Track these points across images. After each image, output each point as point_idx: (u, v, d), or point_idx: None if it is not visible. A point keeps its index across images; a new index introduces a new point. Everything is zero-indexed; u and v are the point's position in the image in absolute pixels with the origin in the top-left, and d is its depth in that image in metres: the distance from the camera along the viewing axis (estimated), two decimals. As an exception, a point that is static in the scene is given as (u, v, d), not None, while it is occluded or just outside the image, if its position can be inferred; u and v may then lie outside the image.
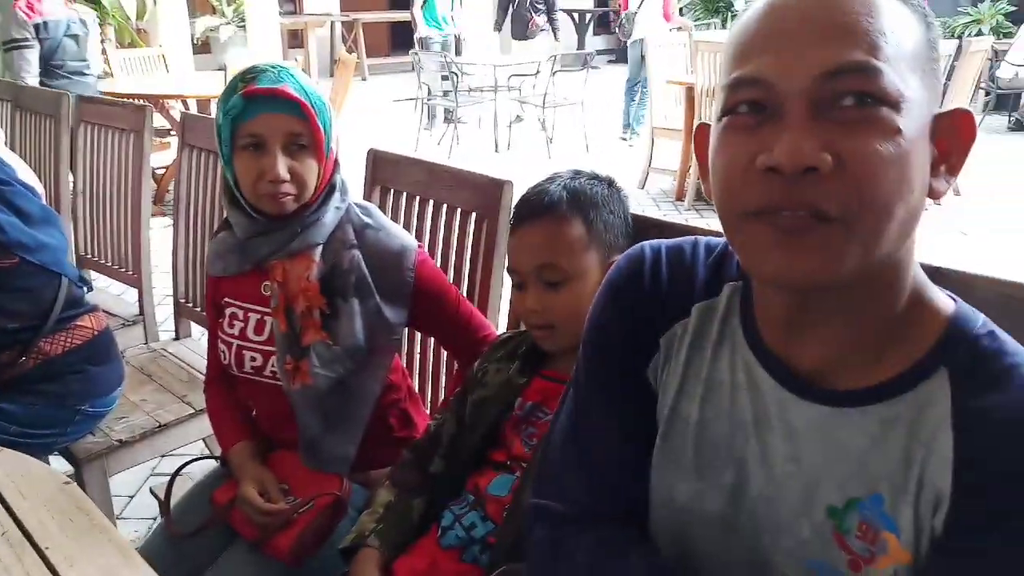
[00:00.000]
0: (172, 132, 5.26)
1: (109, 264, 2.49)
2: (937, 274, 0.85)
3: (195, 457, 1.53)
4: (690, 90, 5.33)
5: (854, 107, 0.63)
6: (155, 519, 2.28)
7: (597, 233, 1.13)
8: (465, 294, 1.54)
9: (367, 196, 1.75)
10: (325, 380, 1.32)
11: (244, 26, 9.14)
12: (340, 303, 1.33)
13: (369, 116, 8.72)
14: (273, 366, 1.36)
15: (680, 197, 5.74)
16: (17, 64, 4.69)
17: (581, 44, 13.62)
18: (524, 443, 1.14)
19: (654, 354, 0.84)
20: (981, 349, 0.69)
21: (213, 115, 1.32)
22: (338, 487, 1.33)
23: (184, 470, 1.48)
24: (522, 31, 8.19)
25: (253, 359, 1.37)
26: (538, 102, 7.22)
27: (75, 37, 4.95)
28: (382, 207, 1.72)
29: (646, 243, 0.88)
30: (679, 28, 7.78)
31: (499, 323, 1.55)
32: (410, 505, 1.22)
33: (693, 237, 0.89)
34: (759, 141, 0.65)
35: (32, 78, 4.67)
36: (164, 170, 5.08)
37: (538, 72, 7.38)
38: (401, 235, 1.41)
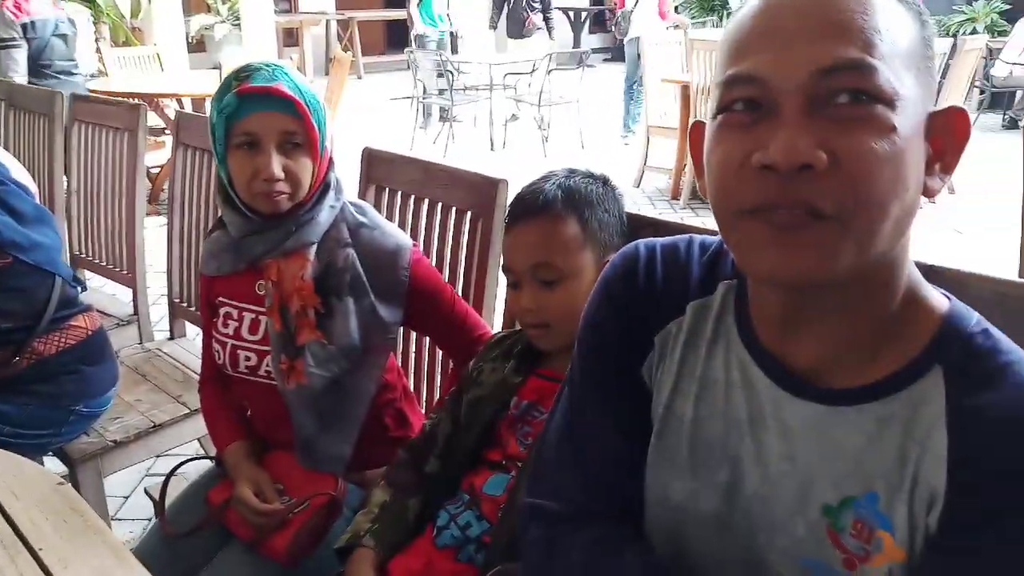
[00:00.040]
0: (167, 131, 5.24)
1: (103, 264, 2.48)
2: (931, 272, 0.85)
3: (190, 457, 1.53)
4: (685, 88, 5.33)
5: (849, 104, 0.63)
6: (150, 520, 2.27)
7: (592, 232, 1.13)
8: (460, 293, 1.54)
9: (362, 195, 1.75)
10: (320, 379, 1.32)
11: (239, 24, 9.11)
12: (335, 302, 1.33)
13: (364, 115, 8.72)
14: (268, 366, 1.35)
15: (676, 195, 5.75)
16: (4, 64, 4.66)
17: (577, 42, 13.61)
18: (519, 442, 1.14)
19: (649, 352, 0.84)
20: (975, 347, 0.69)
21: (208, 114, 1.31)
22: (333, 487, 1.32)
23: (179, 470, 1.47)
24: (519, 30, 8.18)
25: (248, 359, 1.37)
26: (534, 101, 7.22)
27: (63, 37, 4.92)
28: (377, 206, 1.71)
29: (640, 241, 0.88)
30: (676, 26, 7.78)
31: (494, 322, 1.55)
32: (405, 505, 1.22)
33: (688, 235, 0.89)
34: (754, 139, 0.65)
35: (20, 78, 4.63)
36: (159, 169, 5.07)
37: (534, 70, 7.37)
38: (396, 234, 1.40)
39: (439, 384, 1.64)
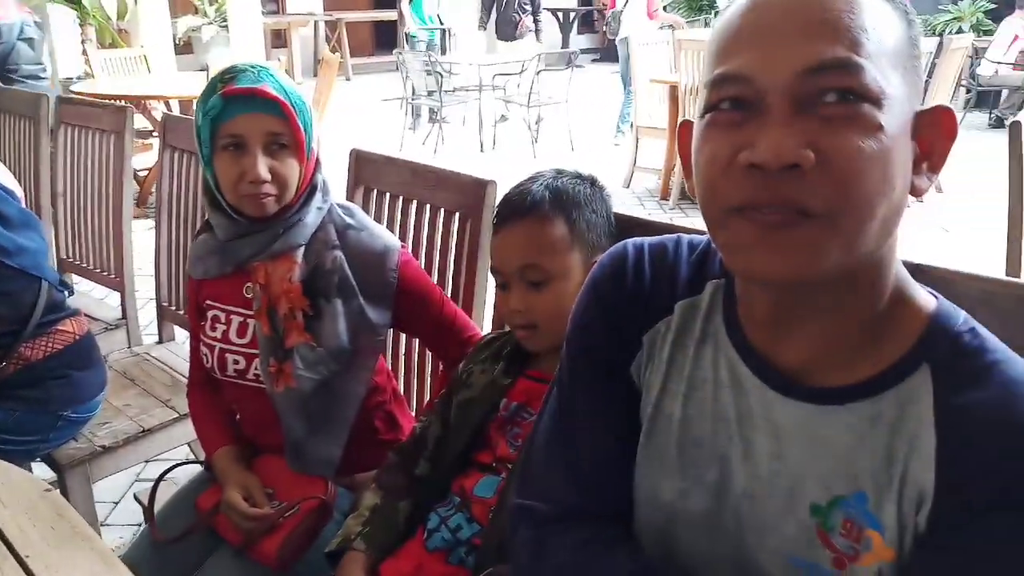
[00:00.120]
0: (154, 133, 5.21)
1: (91, 267, 2.47)
2: (918, 271, 0.85)
3: (179, 462, 1.52)
4: (674, 89, 5.34)
5: (836, 104, 0.63)
6: (140, 525, 2.25)
7: (580, 233, 1.13)
8: (449, 294, 1.54)
9: (350, 196, 1.74)
10: (309, 382, 1.31)
11: (227, 26, 9.08)
12: (323, 304, 1.32)
13: (352, 116, 8.70)
14: (256, 369, 1.35)
15: (665, 196, 5.76)
16: None
17: (565, 43, 13.63)
18: (509, 444, 1.14)
19: (637, 352, 0.84)
20: (962, 346, 0.69)
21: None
22: (323, 491, 1.32)
23: (168, 475, 1.46)
24: (510, 32, 8.16)
25: (236, 362, 1.36)
26: (523, 101, 7.22)
27: (29, 40, 4.83)
28: (365, 207, 1.71)
29: (629, 241, 0.88)
30: (670, 26, 7.78)
31: (484, 323, 1.55)
32: (396, 508, 1.21)
33: (676, 235, 0.89)
34: (742, 138, 0.65)
35: None
36: (147, 172, 5.04)
37: (523, 71, 7.37)
38: (384, 235, 1.40)
39: (429, 386, 1.64)
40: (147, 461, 2.24)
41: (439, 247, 1.60)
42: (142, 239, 2.46)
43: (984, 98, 8.88)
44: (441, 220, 1.60)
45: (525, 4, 8.09)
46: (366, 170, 1.75)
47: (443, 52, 9.05)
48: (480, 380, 1.21)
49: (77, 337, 1.76)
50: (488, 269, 1.34)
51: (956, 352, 0.69)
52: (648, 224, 1.19)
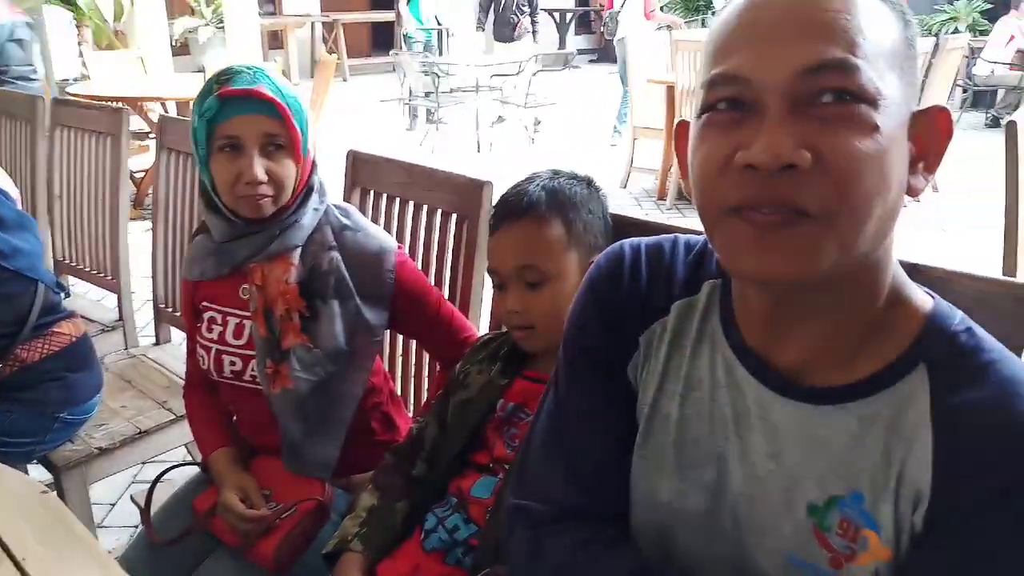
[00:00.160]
0: (151, 135, 5.20)
1: (87, 269, 2.46)
2: (915, 270, 0.85)
3: (175, 464, 1.51)
4: (671, 89, 5.34)
5: (833, 104, 0.63)
6: (137, 527, 2.25)
7: (576, 233, 1.13)
8: (446, 295, 1.54)
9: (347, 197, 1.74)
10: (306, 383, 1.31)
11: (223, 27, 9.06)
12: (320, 305, 1.32)
13: (350, 117, 8.69)
14: (253, 370, 1.35)
15: (662, 196, 5.76)
16: None
17: (562, 44, 13.63)
18: (506, 445, 1.14)
19: (634, 353, 0.84)
20: (959, 346, 0.69)
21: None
22: (320, 492, 1.32)
23: (165, 477, 1.46)
24: (508, 33, 8.16)
25: (232, 363, 1.36)
26: (520, 102, 7.22)
27: (19, 42, 4.78)
28: (362, 209, 1.71)
29: (625, 241, 0.88)
30: (668, 26, 7.78)
31: (481, 324, 1.55)
32: (393, 509, 1.21)
33: (672, 235, 0.89)
34: (738, 138, 0.65)
35: None
36: (144, 173, 5.03)
37: (520, 72, 7.38)
38: (380, 236, 1.40)
39: (426, 387, 1.64)
40: (144, 463, 2.23)
41: (436, 248, 1.60)
42: (139, 241, 2.45)
43: (980, 98, 8.90)
44: (438, 221, 1.59)
45: (523, 5, 8.09)
46: (363, 171, 1.75)
47: (440, 53, 9.04)
48: (477, 381, 1.21)
49: (73, 339, 1.76)
50: (485, 270, 1.34)
51: (953, 352, 0.69)
52: (644, 224, 1.19)
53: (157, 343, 2.29)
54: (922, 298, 0.73)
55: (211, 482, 1.39)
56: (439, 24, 8.93)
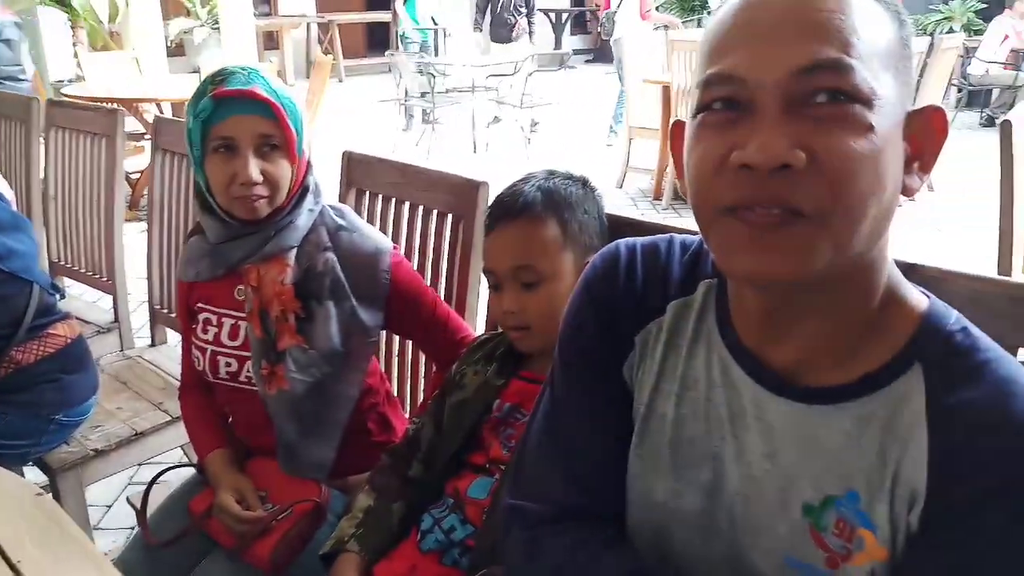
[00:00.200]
0: (146, 136, 5.19)
1: (83, 271, 2.46)
2: (910, 270, 0.85)
3: (171, 465, 1.51)
4: (666, 89, 5.34)
5: (827, 104, 0.63)
6: (133, 529, 2.25)
7: (572, 233, 1.13)
8: (442, 296, 1.54)
9: (342, 198, 1.74)
10: (302, 384, 1.31)
11: (218, 28, 9.06)
12: (315, 306, 1.32)
13: (345, 118, 8.69)
14: (248, 371, 1.34)
15: (658, 196, 5.76)
16: None
17: (558, 44, 13.64)
18: (503, 445, 1.14)
19: (629, 352, 0.84)
20: (955, 345, 0.69)
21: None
22: (317, 493, 1.32)
23: (161, 478, 1.45)
24: (506, 34, 8.15)
25: (228, 365, 1.36)
26: (516, 103, 7.22)
27: (7, 42, 4.77)
28: (357, 209, 1.71)
29: (621, 241, 0.88)
30: (665, 26, 7.78)
31: (477, 325, 1.55)
32: (390, 509, 1.21)
33: (668, 235, 0.89)
34: (733, 138, 0.65)
35: None
36: (139, 174, 5.02)
37: (515, 72, 7.37)
38: (376, 237, 1.40)
39: (422, 388, 1.64)
40: (140, 464, 2.23)
41: (432, 248, 1.60)
42: (134, 242, 2.45)
43: (975, 97, 8.92)
44: (434, 221, 1.59)
45: (520, 6, 8.08)
46: (358, 172, 1.75)
47: (436, 53, 9.03)
48: (473, 381, 1.21)
49: (68, 340, 1.75)
50: (481, 270, 1.34)
51: (948, 351, 0.69)
52: (640, 224, 1.19)
53: (153, 344, 2.28)
54: (917, 298, 0.74)
55: (207, 484, 1.39)
56: (435, 24, 8.92)
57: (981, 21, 9.98)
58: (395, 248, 1.41)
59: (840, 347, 0.72)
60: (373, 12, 13.34)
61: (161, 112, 5.12)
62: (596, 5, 12.96)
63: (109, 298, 2.39)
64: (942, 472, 0.66)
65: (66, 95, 4.91)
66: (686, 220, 0.73)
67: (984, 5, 10.25)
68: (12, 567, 0.98)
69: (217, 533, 1.33)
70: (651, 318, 0.83)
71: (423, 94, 7.52)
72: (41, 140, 2.54)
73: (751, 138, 0.63)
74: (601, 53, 13.43)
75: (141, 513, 1.41)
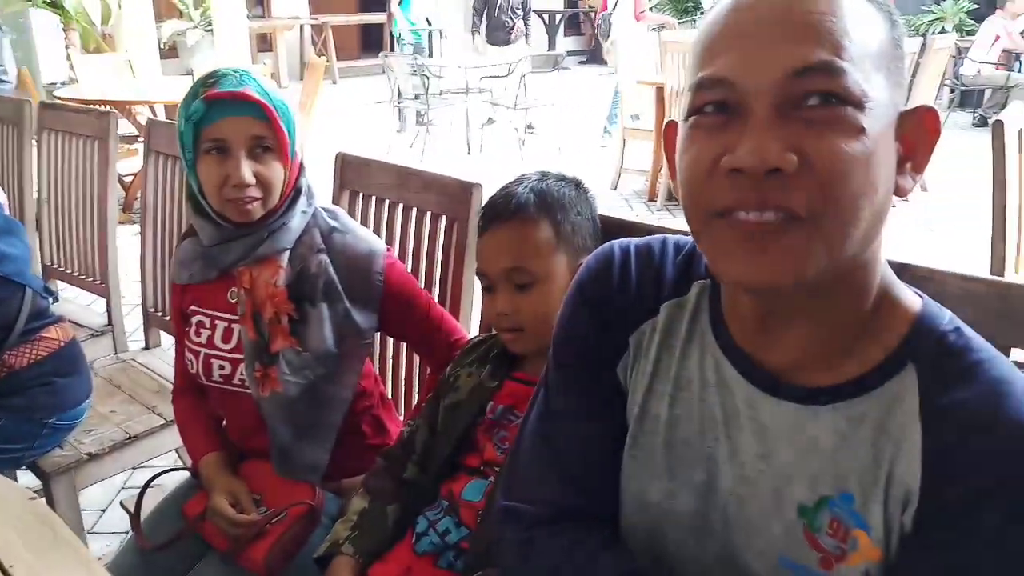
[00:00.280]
0: (139, 138, 5.18)
1: (76, 274, 2.45)
2: (904, 270, 0.86)
3: (165, 469, 1.51)
4: (660, 90, 5.35)
5: (819, 107, 0.63)
6: (127, 533, 2.24)
7: (565, 235, 1.12)
8: (436, 298, 1.54)
9: (336, 200, 1.74)
10: (295, 387, 1.31)
11: (212, 30, 9.03)
12: (308, 308, 1.31)
13: (339, 119, 8.68)
14: (242, 374, 1.34)
15: (652, 197, 5.76)
16: None
17: (552, 45, 13.64)
18: (496, 447, 1.14)
19: (623, 353, 0.84)
20: (948, 345, 0.69)
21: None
22: (311, 496, 1.31)
23: (156, 482, 1.45)
24: (504, 37, 8.14)
25: (221, 367, 1.35)
26: (510, 104, 7.22)
27: None
28: (351, 211, 1.70)
29: (615, 242, 0.88)
30: (662, 27, 7.78)
31: (471, 327, 1.55)
32: (384, 512, 1.21)
33: (662, 236, 0.89)
34: (724, 141, 0.65)
35: None
36: (132, 177, 5.01)
37: (509, 73, 7.37)
38: (369, 238, 1.40)
39: (416, 390, 1.64)
40: (134, 468, 2.22)
41: (426, 250, 1.60)
42: (128, 245, 2.44)
43: (968, 97, 8.95)
44: (428, 223, 1.59)
45: (517, 8, 8.08)
46: (352, 173, 1.74)
47: (430, 55, 9.03)
48: (467, 383, 1.21)
49: (62, 344, 1.75)
50: (474, 272, 1.34)
51: (941, 352, 0.69)
52: (633, 226, 1.19)
53: (147, 347, 2.28)
54: (911, 298, 0.74)
55: (201, 487, 1.38)
56: (429, 25, 8.92)
57: (973, 22, 10.01)
58: (389, 250, 1.40)
59: (834, 348, 0.72)
60: (367, 14, 13.32)
61: (154, 114, 5.11)
62: (589, 6, 12.98)
63: (102, 301, 2.38)
64: (936, 472, 0.66)
65: (59, 97, 4.90)
66: (680, 221, 0.73)
67: (976, 6, 10.28)
68: (5, 572, 0.97)
69: (211, 536, 1.32)
70: (645, 319, 0.83)
71: (417, 95, 7.51)
72: (33, 143, 2.53)
73: (742, 141, 0.63)
74: (594, 54, 13.44)
75: (135, 517, 1.40)
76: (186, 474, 1.50)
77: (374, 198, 1.70)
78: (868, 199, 0.64)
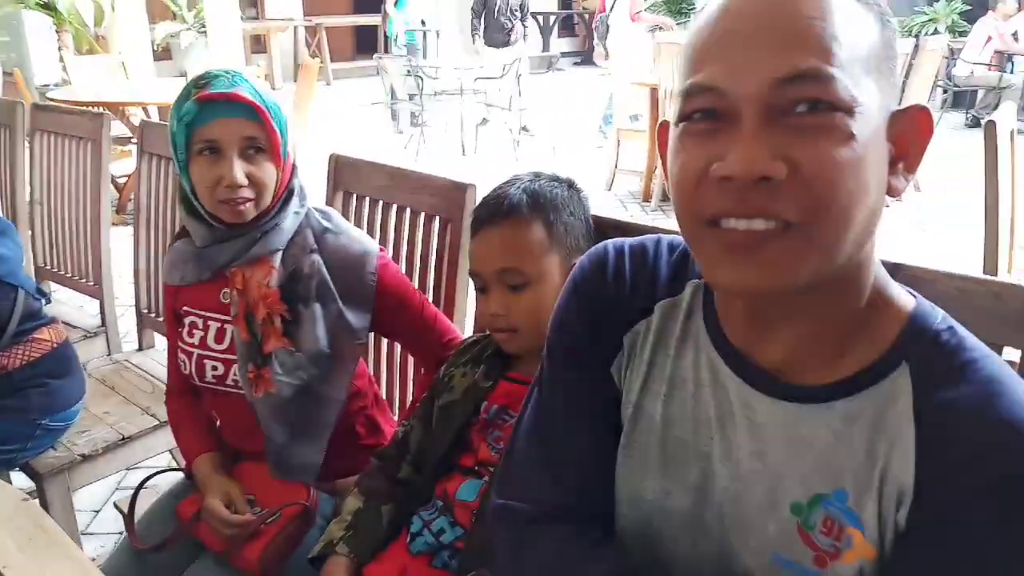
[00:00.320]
0: (133, 140, 5.17)
1: (69, 275, 2.44)
2: (897, 270, 0.86)
3: (159, 470, 1.50)
4: (654, 91, 5.35)
5: (807, 113, 0.62)
6: (121, 534, 2.23)
7: (558, 235, 1.13)
8: (430, 298, 1.54)
9: (329, 201, 1.74)
10: (289, 387, 1.31)
11: (205, 32, 9.02)
12: (301, 309, 1.31)
13: (333, 121, 8.67)
14: (235, 375, 1.34)
15: (647, 198, 5.77)
16: None
17: (546, 46, 13.65)
18: (491, 447, 1.14)
19: (618, 352, 0.84)
20: (941, 344, 0.69)
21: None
22: (305, 496, 1.31)
23: (149, 483, 1.45)
24: (502, 39, 8.14)
25: (214, 368, 1.35)
26: (504, 105, 7.22)
27: None
28: (345, 212, 1.70)
29: (609, 242, 0.88)
30: (659, 27, 7.79)
31: (465, 327, 1.54)
32: (379, 512, 1.21)
33: (656, 235, 0.89)
34: (714, 149, 0.64)
35: None
36: (125, 178, 5.00)
37: (504, 75, 7.38)
38: (362, 239, 1.40)
39: (411, 391, 1.63)
40: (128, 469, 2.22)
41: (419, 251, 1.60)
42: (122, 246, 2.43)
43: (960, 98, 8.99)
44: (421, 224, 1.59)
45: (515, 10, 8.07)
46: (345, 174, 1.74)
47: (425, 55, 9.02)
48: (461, 383, 1.21)
49: (54, 345, 1.74)
50: (468, 273, 1.34)
51: (935, 351, 0.69)
52: (627, 226, 1.19)
53: (140, 349, 2.27)
54: (904, 297, 0.74)
55: (195, 488, 1.38)
56: (424, 26, 8.91)
57: (965, 23, 10.05)
58: (382, 250, 1.40)
59: (828, 347, 0.72)
60: (361, 15, 13.32)
61: (148, 116, 5.10)
62: (583, 8, 12.99)
63: (96, 302, 2.37)
64: (929, 470, 0.66)
65: (51, 99, 4.89)
66: (674, 222, 0.73)
67: (968, 7, 10.33)
68: (-2, 574, 0.97)
69: (205, 537, 1.32)
70: (639, 318, 0.83)
71: (411, 96, 7.51)
72: (26, 144, 2.52)
73: (732, 149, 0.63)
74: (589, 55, 13.45)
75: (129, 518, 1.40)
76: (180, 475, 1.50)
77: (368, 199, 1.70)
78: (859, 204, 0.64)
